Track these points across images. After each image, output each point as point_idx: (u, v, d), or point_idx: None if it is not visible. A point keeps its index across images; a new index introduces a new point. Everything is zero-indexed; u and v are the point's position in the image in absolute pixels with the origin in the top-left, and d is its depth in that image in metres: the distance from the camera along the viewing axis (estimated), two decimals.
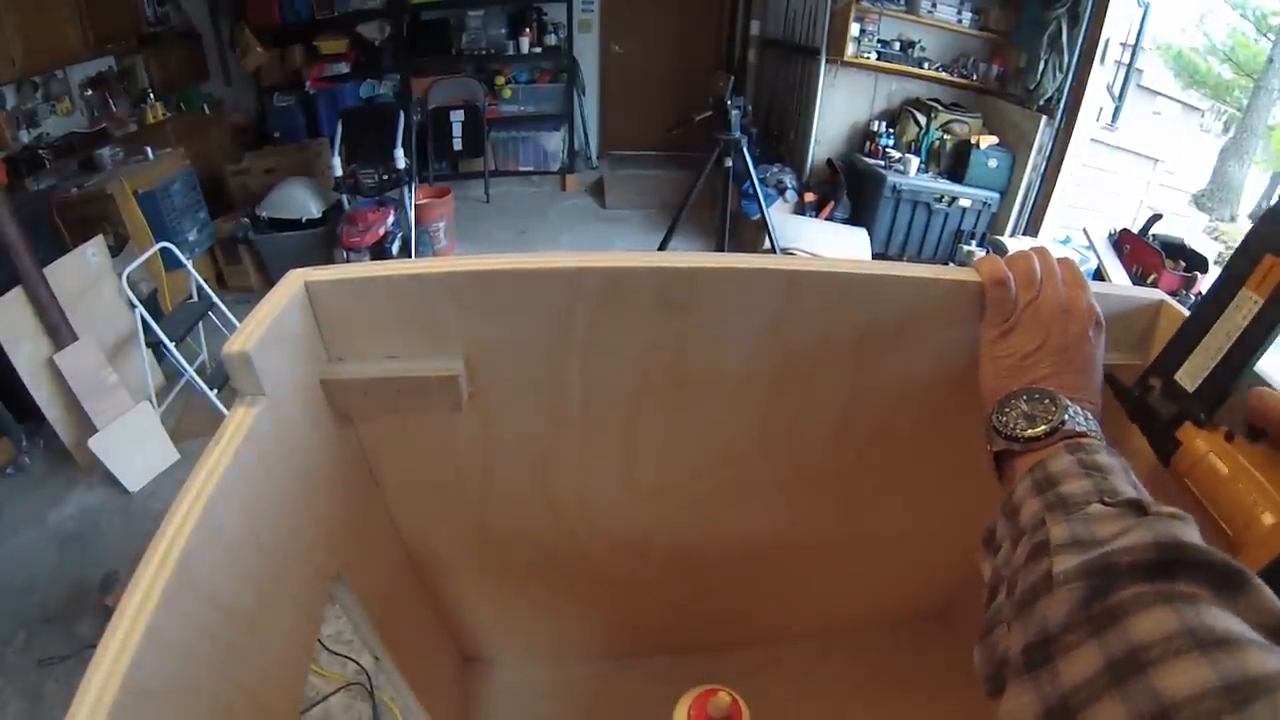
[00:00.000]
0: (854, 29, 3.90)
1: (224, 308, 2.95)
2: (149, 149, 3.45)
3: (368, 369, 0.48)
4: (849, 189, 4.11)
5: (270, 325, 0.40)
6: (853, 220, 4.07)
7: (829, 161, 4.27)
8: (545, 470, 0.60)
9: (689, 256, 0.48)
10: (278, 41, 4.58)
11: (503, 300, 0.47)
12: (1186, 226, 4.32)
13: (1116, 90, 4.02)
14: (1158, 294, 0.55)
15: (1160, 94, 6.88)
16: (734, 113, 3.17)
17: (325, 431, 0.49)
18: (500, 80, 4.95)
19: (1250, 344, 0.43)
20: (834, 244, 3.66)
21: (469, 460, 0.58)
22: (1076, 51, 3.33)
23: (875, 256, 3.76)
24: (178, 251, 2.86)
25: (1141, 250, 3.19)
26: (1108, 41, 3.33)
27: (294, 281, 0.44)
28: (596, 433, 0.57)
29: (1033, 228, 3.81)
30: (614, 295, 0.48)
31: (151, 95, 3.93)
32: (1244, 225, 5.59)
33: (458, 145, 4.72)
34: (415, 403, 0.50)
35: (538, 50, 4.88)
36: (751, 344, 0.52)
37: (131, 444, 2.46)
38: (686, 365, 0.53)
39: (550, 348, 0.50)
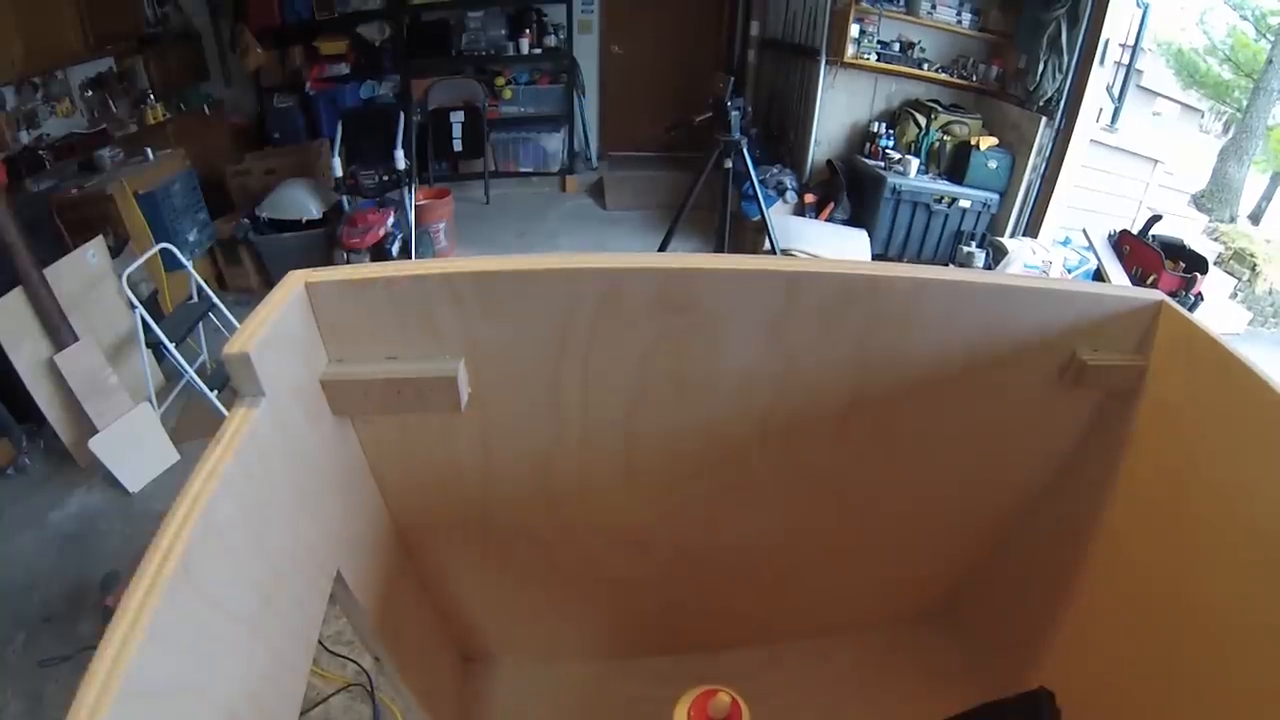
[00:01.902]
0: (854, 30, 3.91)
1: (224, 308, 2.94)
2: (149, 150, 3.44)
3: (368, 369, 0.48)
4: (849, 190, 4.11)
5: (270, 326, 0.40)
6: (853, 221, 4.07)
7: (829, 163, 4.27)
8: (545, 470, 0.60)
9: (689, 258, 0.48)
10: (278, 42, 4.58)
11: (502, 301, 0.47)
12: (1186, 227, 4.32)
13: (1116, 91, 4.02)
14: (1157, 295, 0.55)
15: (1160, 95, 6.89)
16: (734, 114, 3.17)
17: (325, 431, 0.49)
18: (500, 81, 4.95)
19: None
20: (834, 245, 3.66)
21: (469, 460, 0.58)
22: (1076, 52, 3.33)
23: (875, 257, 3.75)
24: (178, 252, 2.86)
25: (1141, 251, 3.19)
26: (1107, 42, 3.33)
27: (294, 282, 0.44)
28: (596, 433, 0.57)
29: (1032, 229, 3.81)
30: (614, 296, 0.48)
31: (152, 96, 3.93)
32: (1243, 226, 5.59)
33: (458, 146, 4.73)
34: (415, 403, 0.50)
35: (538, 51, 4.88)
36: (751, 344, 0.52)
37: (131, 445, 2.46)
38: (686, 366, 0.53)
39: (550, 348, 0.50)
